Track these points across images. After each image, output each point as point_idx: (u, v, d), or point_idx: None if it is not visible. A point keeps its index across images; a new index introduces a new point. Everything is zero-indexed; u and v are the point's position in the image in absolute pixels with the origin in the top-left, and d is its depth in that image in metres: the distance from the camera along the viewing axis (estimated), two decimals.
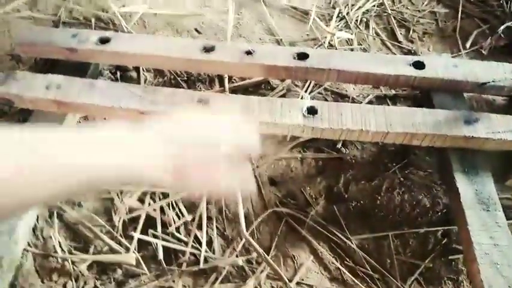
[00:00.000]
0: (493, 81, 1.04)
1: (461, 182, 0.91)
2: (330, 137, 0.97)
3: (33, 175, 0.39)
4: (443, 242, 0.94)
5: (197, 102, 0.98)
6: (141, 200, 0.98)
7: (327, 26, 1.31)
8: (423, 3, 1.47)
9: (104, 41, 1.09)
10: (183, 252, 0.91)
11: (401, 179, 1.02)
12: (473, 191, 0.90)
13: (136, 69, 1.20)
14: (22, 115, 1.10)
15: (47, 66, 1.17)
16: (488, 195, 0.90)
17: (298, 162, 1.06)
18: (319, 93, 1.16)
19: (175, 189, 0.53)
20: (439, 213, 0.97)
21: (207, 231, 0.94)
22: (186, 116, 0.55)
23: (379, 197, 1.00)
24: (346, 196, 1.01)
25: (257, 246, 0.89)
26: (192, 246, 0.91)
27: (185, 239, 0.93)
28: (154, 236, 0.93)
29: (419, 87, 1.09)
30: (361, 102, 1.14)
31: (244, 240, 0.92)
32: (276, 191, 1.02)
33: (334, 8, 1.38)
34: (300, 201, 1.01)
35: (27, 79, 1.02)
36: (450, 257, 0.93)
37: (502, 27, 1.33)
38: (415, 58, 1.06)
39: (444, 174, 0.99)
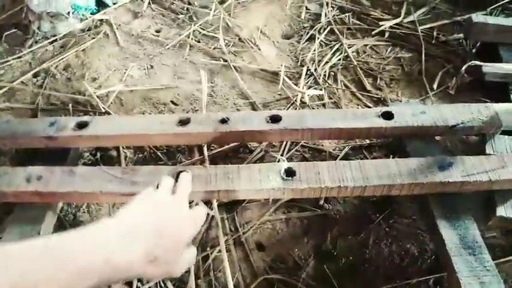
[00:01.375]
0: (462, 123, 1.07)
1: (444, 228, 0.92)
2: (310, 196, 0.98)
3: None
4: None
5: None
6: (129, 284, 0.97)
7: (296, 84, 1.36)
8: (387, 51, 1.54)
9: (82, 125, 1.12)
10: None
11: (387, 229, 1.03)
12: (457, 236, 0.91)
13: (116, 148, 1.22)
14: (6, 207, 1.10)
15: (28, 155, 1.18)
16: (473, 239, 0.90)
17: (284, 223, 1.07)
18: (296, 151, 1.19)
19: (156, 277, 0.57)
20: (429, 261, 0.98)
21: None
22: (158, 201, 0.64)
23: (367, 251, 1.00)
24: (334, 253, 1.01)
25: None
26: None
27: None
28: None
29: (391, 136, 1.12)
30: (338, 156, 1.17)
31: None
32: (264, 256, 1.02)
33: (302, 66, 1.44)
34: (289, 264, 1.00)
35: (8, 174, 1.03)
36: None
37: (465, 66, 1.38)
38: (384, 109, 1.10)
39: (427, 221, 1.00)
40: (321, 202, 1.08)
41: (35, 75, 1.44)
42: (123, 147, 1.22)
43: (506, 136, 1.09)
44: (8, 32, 1.59)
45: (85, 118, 1.15)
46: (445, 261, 0.90)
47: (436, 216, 0.94)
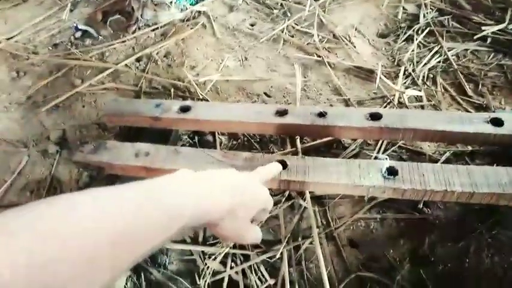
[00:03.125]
0: None
1: None
2: (412, 197, 0.95)
3: (147, 223, 0.43)
4: None
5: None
6: (223, 263, 1.00)
7: (393, 83, 1.33)
8: (489, 57, 1.46)
9: (185, 109, 1.17)
10: None
11: (490, 239, 0.97)
12: None
13: (213, 133, 1.26)
14: (109, 180, 1.18)
15: (131, 133, 1.26)
16: None
17: (378, 223, 1.05)
18: (393, 151, 1.16)
19: (228, 235, 0.58)
20: None
21: None
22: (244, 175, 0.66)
23: (467, 259, 0.96)
24: (432, 259, 0.97)
25: None
26: None
27: None
28: None
29: (499, 144, 1.06)
30: (438, 160, 1.13)
31: None
32: (357, 254, 1.01)
33: (399, 65, 1.41)
34: (383, 265, 0.98)
35: (117, 148, 1.11)
36: None
37: None
38: (493, 115, 1.04)
39: None
40: (420, 205, 1.05)
41: (138, 60, 1.53)
42: (219, 133, 1.26)
43: None
44: (113, 18, 1.70)
45: (188, 102, 1.20)
46: None
47: None
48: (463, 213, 1.03)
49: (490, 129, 1.03)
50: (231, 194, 0.56)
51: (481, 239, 0.98)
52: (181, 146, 1.25)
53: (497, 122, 1.04)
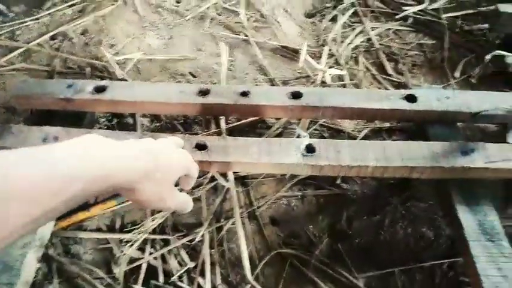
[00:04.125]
0: (485, 111, 1.06)
1: (463, 213, 0.91)
2: (329, 173, 0.97)
3: (36, 187, 0.42)
4: (450, 275, 0.93)
5: (196, 148, 0.98)
6: (142, 249, 0.96)
7: (317, 63, 1.33)
8: (410, 36, 1.51)
9: (100, 89, 1.10)
10: None
11: (403, 212, 1.01)
12: (476, 222, 0.90)
13: (133, 115, 1.21)
14: None
15: (43, 116, 1.17)
16: (492, 226, 0.89)
17: (299, 200, 1.06)
18: (315, 129, 1.17)
19: (151, 200, 0.56)
20: (444, 245, 0.97)
21: (210, 278, 0.92)
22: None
23: (383, 232, 0.99)
24: (349, 233, 1.00)
25: None
26: None
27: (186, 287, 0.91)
28: (156, 287, 0.90)
29: (414, 120, 1.10)
30: (357, 137, 1.15)
31: (249, 285, 0.90)
32: (278, 231, 1.01)
33: (323, 45, 1.42)
34: (303, 241, 1.00)
35: (23, 132, 1.02)
36: None
37: (490, 56, 1.36)
38: (408, 92, 1.08)
39: (445, 206, 0.98)
40: (338, 181, 1.07)
41: (52, 38, 1.42)
42: (139, 115, 1.20)
43: None
44: None
45: (103, 82, 1.13)
46: (462, 246, 0.89)
47: (456, 202, 0.93)
48: (379, 187, 1.06)
49: (405, 105, 1.07)
50: (145, 159, 0.55)
51: (396, 212, 1.02)
52: (99, 129, 1.18)
53: (412, 99, 1.08)
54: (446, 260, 0.95)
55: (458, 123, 1.11)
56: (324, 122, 1.19)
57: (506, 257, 0.85)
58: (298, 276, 0.94)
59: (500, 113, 1.06)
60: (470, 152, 0.96)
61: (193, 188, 1.06)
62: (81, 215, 1.01)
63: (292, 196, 1.06)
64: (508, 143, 1.05)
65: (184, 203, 0.67)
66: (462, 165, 0.93)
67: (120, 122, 1.19)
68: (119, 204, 1.02)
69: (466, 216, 0.91)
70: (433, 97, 1.08)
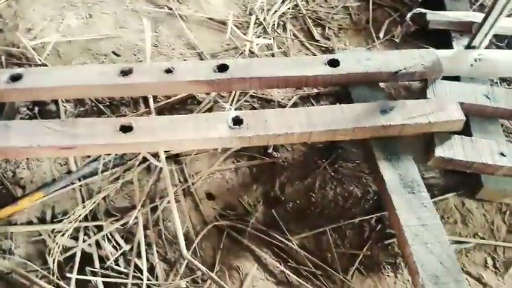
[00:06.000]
0: (404, 69, 1.10)
1: (385, 168, 0.95)
2: (258, 144, 0.98)
3: None
4: (378, 229, 0.99)
5: (121, 130, 0.95)
6: (75, 238, 0.95)
7: (245, 34, 1.32)
8: (336, 0, 1.52)
9: (15, 78, 1.04)
10: (126, 285, 0.89)
11: (332, 173, 1.05)
12: (397, 176, 0.95)
13: (55, 101, 1.16)
14: None
15: None
16: (412, 178, 0.95)
17: (233, 172, 1.07)
18: (245, 101, 1.18)
19: None
20: (371, 201, 1.02)
21: (147, 258, 0.93)
22: None
23: (314, 194, 1.03)
24: (283, 199, 1.03)
25: (199, 265, 0.89)
26: (134, 277, 0.90)
27: (125, 271, 0.91)
28: (93, 273, 0.90)
29: (337, 84, 1.13)
30: (287, 105, 1.17)
31: (186, 260, 0.91)
32: (214, 205, 1.03)
33: (250, 14, 1.40)
34: (239, 211, 1.02)
35: None
36: (386, 242, 0.97)
37: (410, 14, 1.38)
38: (330, 57, 1.10)
39: (370, 164, 1.03)
40: (270, 150, 1.09)
41: None
42: (62, 101, 1.15)
43: (447, 81, 1.13)
44: None
45: (18, 70, 1.07)
46: (386, 200, 0.94)
47: (378, 158, 0.98)
48: (308, 152, 1.10)
49: (328, 70, 1.09)
50: None
51: (325, 174, 1.06)
52: (20, 119, 1.12)
53: (334, 63, 1.10)
54: (373, 215, 1.00)
55: (382, 84, 1.15)
56: (254, 93, 1.19)
57: (425, 206, 0.91)
58: (236, 246, 0.97)
59: (419, 70, 1.11)
60: (389, 111, 1.00)
61: (124, 171, 1.05)
62: (9, 210, 0.98)
63: (226, 169, 1.07)
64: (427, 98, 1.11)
65: None
66: (382, 124, 0.98)
67: (42, 110, 1.14)
68: (47, 195, 0.99)
69: (387, 171, 0.96)
70: (354, 60, 1.10)
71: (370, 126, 0.97)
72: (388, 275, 0.93)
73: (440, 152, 0.99)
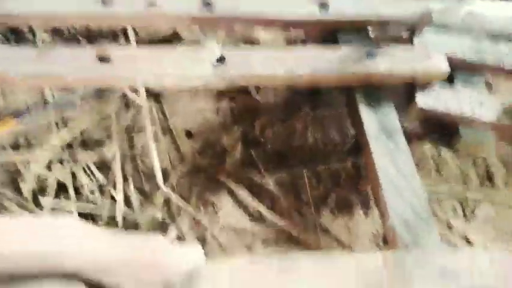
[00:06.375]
0: (394, 17, 1.08)
1: (365, 113, 0.95)
2: (241, 84, 0.97)
3: None
4: (353, 173, 1.00)
5: (99, 60, 0.92)
6: (49, 167, 0.94)
7: None
8: None
9: None
10: (100, 215, 0.89)
11: (314, 118, 1.05)
12: (376, 121, 0.95)
13: (32, 30, 1.11)
14: None
15: None
16: (391, 125, 0.95)
17: (214, 112, 1.06)
18: (229, 40, 1.15)
19: None
20: (349, 147, 1.03)
21: (124, 190, 0.93)
22: None
23: (294, 138, 1.03)
24: (262, 140, 1.03)
25: (175, 197, 0.89)
26: (109, 208, 0.90)
27: (100, 202, 0.91)
28: (68, 203, 0.90)
29: (326, 26, 1.10)
30: (272, 47, 1.15)
31: (163, 193, 0.92)
32: (192, 143, 1.02)
33: None
34: (217, 150, 1.01)
35: None
36: (360, 186, 0.99)
37: None
38: None
39: (351, 110, 1.03)
40: (252, 92, 1.08)
41: None
42: (39, 29, 1.11)
43: (435, 32, 1.11)
44: None
45: None
46: (363, 145, 0.95)
47: (359, 104, 0.97)
48: (291, 95, 1.09)
49: (316, 11, 1.06)
50: (124, 248, 0.49)
51: (307, 118, 1.05)
52: None
53: (324, 5, 1.07)
54: (350, 160, 1.01)
55: (370, 30, 1.13)
56: (239, 33, 1.16)
57: (402, 153, 0.92)
58: (212, 184, 0.97)
59: (409, 19, 1.09)
60: (374, 57, 0.99)
61: (101, 105, 1.03)
62: None
63: (207, 109, 1.06)
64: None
65: None
66: (366, 70, 0.97)
67: (18, 38, 1.09)
68: (21, 123, 0.97)
69: (367, 116, 0.95)
70: (344, 3, 1.08)
71: (355, 72, 0.96)
72: (359, 216, 0.95)
73: (421, 101, 0.99)
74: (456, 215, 0.99)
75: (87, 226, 0.48)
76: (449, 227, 0.98)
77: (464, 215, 1.00)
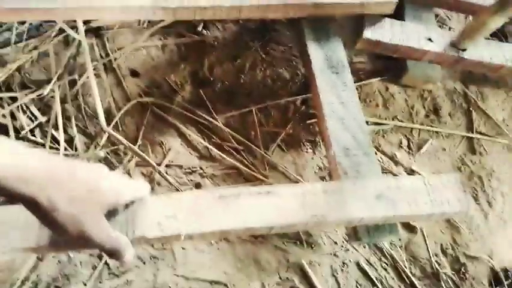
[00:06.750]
0: None
1: (313, 48, 0.94)
2: (183, 17, 0.92)
3: None
4: (301, 110, 1.00)
5: None
6: None
7: None
8: None
9: None
10: None
11: (263, 55, 1.03)
12: (323, 56, 0.94)
13: None
14: None
15: None
16: (338, 59, 0.94)
17: (160, 50, 1.02)
18: None
19: (46, 215, 0.44)
20: (298, 84, 1.02)
21: (66, 131, 0.90)
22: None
23: (243, 76, 1.02)
24: (211, 79, 1.01)
25: (120, 137, 0.87)
26: (51, 148, 0.87)
27: (42, 142, 0.88)
28: None
29: None
30: None
31: (107, 134, 0.90)
32: (138, 82, 0.99)
33: None
34: (164, 90, 0.99)
35: None
36: (308, 122, 0.99)
37: None
38: None
39: (299, 45, 1.01)
40: (200, 28, 1.04)
41: None
42: None
43: None
44: None
45: None
46: (310, 79, 0.94)
47: (307, 39, 0.95)
48: (240, 32, 1.06)
49: None
50: (55, 162, 0.45)
51: (256, 56, 1.03)
52: None
53: None
54: (299, 97, 1.01)
55: None
56: None
57: (346, 86, 0.92)
58: (160, 123, 0.96)
59: None
60: None
61: (39, 42, 0.97)
62: None
63: (152, 46, 1.02)
64: None
65: (121, 243, 0.51)
66: (314, 1, 0.94)
67: None
68: None
69: (315, 51, 0.94)
70: None
71: (302, 3, 0.93)
72: (306, 151, 0.97)
73: (368, 33, 0.98)
74: (401, 148, 1.02)
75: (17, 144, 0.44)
76: (395, 160, 1.01)
77: (409, 148, 1.03)
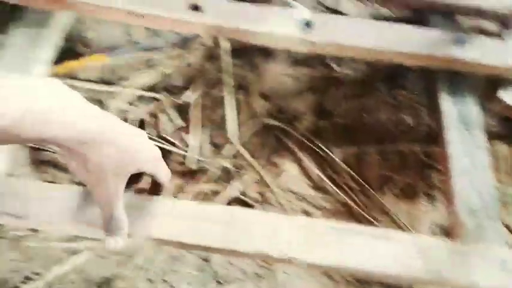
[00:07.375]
0: (489, 6, 1.03)
1: (446, 102, 0.93)
2: (325, 52, 0.96)
3: None
4: (422, 160, 0.99)
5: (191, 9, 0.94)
6: (131, 104, 0.98)
7: None
8: None
9: None
10: (170, 152, 0.94)
11: (389, 98, 1.04)
12: (456, 111, 0.93)
13: None
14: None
15: None
16: (471, 117, 0.92)
17: (290, 77, 1.07)
18: (313, 7, 1.14)
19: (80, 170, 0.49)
20: (422, 133, 1.01)
21: (196, 137, 0.96)
22: None
23: (365, 115, 1.03)
24: (334, 113, 1.03)
25: (243, 151, 0.92)
26: (180, 148, 0.94)
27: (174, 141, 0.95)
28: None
29: (414, 6, 1.08)
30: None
31: (231, 145, 0.95)
32: (266, 105, 1.04)
33: None
34: (288, 115, 1.03)
35: None
36: (427, 173, 0.97)
37: None
38: None
39: (430, 95, 1.01)
40: (330, 62, 1.07)
41: None
42: None
43: None
44: None
45: None
46: (439, 133, 0.93)
47: (441, 90, 0.95)
48: (370, 73, 1.07)
49: None
50: (102, 121, 0.47)
51: (382, 98, 1.04)
52: None
53: None
54: (421, 145, 1.00)
55: (461, 17, 1.09)
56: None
57: (478, 147, 0.89)
58: (280, 147, 0.99)
59: (503, 10, 1.04)
60: (465, 44, 0.95)
61: (186, 52, 1.06)
62: (71, 64, 1.01)
63: (283, 73, 1.07)
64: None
65: (118, 222, 0.53)
66: (454, 56, 0.93)
67: None
68: (110, 58, 1.02)
69: (447, 105, 0.93)
70: None
71: (441, 56, 0.93)
72: (422, 204, 0.95)
73: (507, 97, 0.95)
74: None
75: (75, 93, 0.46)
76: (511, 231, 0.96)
77: None
